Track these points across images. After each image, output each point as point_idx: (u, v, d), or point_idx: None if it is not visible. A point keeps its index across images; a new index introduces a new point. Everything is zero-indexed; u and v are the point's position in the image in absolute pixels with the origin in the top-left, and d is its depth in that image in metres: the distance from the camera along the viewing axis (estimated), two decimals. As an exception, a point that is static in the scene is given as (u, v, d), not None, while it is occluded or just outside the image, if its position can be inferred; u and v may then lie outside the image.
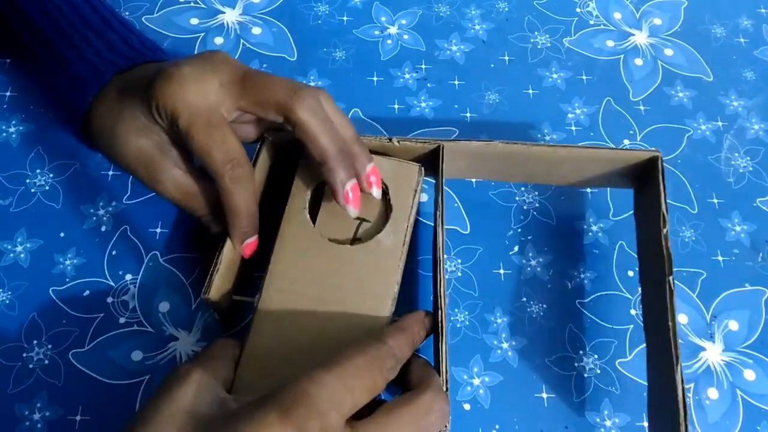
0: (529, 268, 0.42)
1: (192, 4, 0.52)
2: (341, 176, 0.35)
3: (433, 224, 0.40)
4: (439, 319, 0.33)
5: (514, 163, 0.40)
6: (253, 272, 0.39)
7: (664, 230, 0.35)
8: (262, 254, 0.36)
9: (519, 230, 0.43)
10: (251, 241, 0.36)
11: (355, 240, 0.36)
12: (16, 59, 0.47)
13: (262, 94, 0.34)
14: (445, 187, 0.39)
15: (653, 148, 0.39)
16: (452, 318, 0.40)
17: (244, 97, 0.34)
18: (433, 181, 0.44)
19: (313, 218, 0.37)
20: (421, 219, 0.43)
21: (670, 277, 0.34)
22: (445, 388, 0.32)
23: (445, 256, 0.41)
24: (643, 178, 0.40)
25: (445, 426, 0.31)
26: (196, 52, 0.42)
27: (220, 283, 0.35)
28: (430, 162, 0.39)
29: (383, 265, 0.35)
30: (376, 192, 0.37)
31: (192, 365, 0.30)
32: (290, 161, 0.39)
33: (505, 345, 0.39)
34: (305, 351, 0.33)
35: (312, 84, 0.48)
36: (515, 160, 0.40)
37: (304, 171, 0.38)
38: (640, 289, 0.39)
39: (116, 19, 0.42)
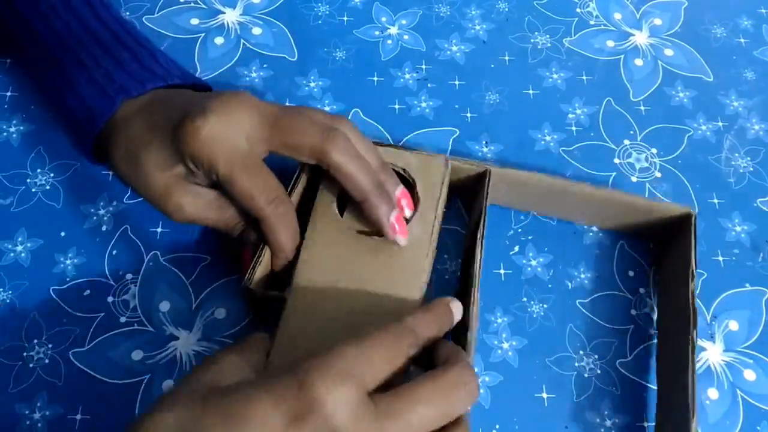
0: (529, 268, 0.42)
1: (192, 4, 0.52)
2: (383, 210, 0.35)
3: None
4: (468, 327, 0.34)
5: (550, 198, 0.41)
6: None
7: (692, 285, 0.36)
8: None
9: (519, 230, 0.43)
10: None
11: (372, 233, 0.36)
12: (21, 68, 0.47)
13: (294, 138, 0.34)
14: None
15: (686, 206, 0.39)
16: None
17: (276, 140, 0.34)
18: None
19: (341, 211, 0.38)
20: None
21: (694, 332, 0.34)
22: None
23: (446, 256, 0.42)
24: (673, 231, 0.40)
25: (469, 407, 0.30)
26: (215, 90, 0.40)
27: (261, 274, 0.35)
28: (471, 187, 0.41)
29: (412, 256, 0.36)
30: (408, 213, 0.37)
31: (226, 350, 0.31)
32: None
33: (505, 345, 0.39)
34: (334, 341, 0.33)
35: (312, 84, 0.48)
36: (554, 193, 0.41)
37: None
38: (656, 337, 0.39)
39: (126, 32, 0.41)
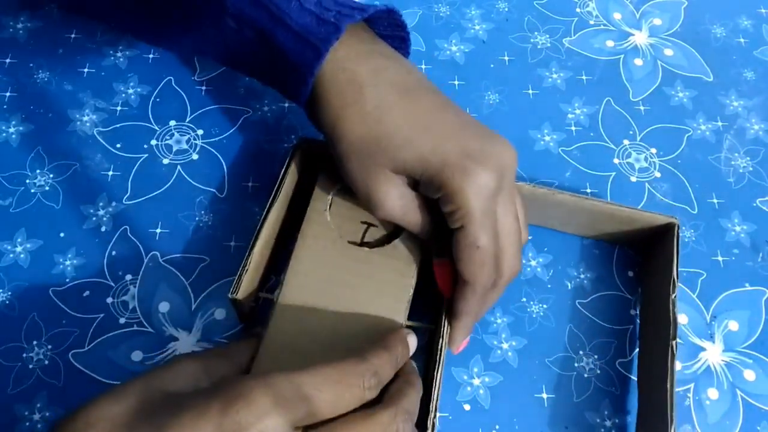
0: (529, 268, 0.42)
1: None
2: (464, 334, 0.35)
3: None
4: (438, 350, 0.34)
5: (534, 206, 0.41)
6: (273, 274, 0.40)
7: (673, 295, 0.36)
8: (283, 254, 0.36)
9: (519, 230, 0.43)
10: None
11: (362, 244, 0.36)
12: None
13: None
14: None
15: (671, 216, 0.39)
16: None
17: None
18: None
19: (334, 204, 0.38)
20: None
21: (674, 342, 0.34)
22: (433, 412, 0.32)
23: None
24: (657, 240, 0.40)
25: None
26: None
27: (247, 283, 0.35)
28: None
29: (399, 268, 0.36)
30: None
31: (187, 354, 0.30)
32: (314, 166, 0.39)
33: (505, 345, 0.39)
34: (321, 346, 0.33)
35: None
36: (537, 202, 0.40)
37: (326, 174, 0.38)
38: (638, 345, 0.39)
39: None
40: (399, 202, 0.34)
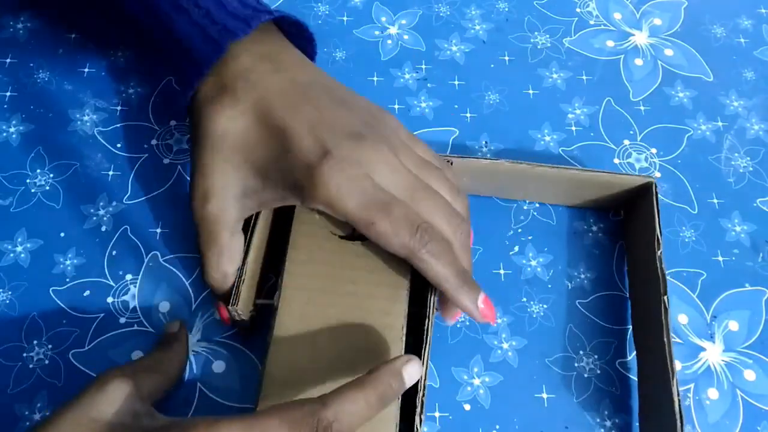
0: (529, 268, 0.42)
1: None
2: (471, 299, 0.33)
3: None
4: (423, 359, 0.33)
5: (514, 182, 0.41)
6: (269, 277, 0.39)
7: (659, 252, 0.37)
8: (278, 256, 0.36)
9: (519, 230, 0.43)
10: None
11: (354, 237, 0.36)
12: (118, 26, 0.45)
13: (386, 229, 0.32)
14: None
15: (648, 175, 0.40)
16: (452, 318, 0.40)
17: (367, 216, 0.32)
18: None
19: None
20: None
21: (665, 297, 0.35)
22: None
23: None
24: (637, 202, 0.41)
25: None
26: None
27: (246, 294, 0.35)
28: None
29: (394, 256, 0.35)
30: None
31: (114, 373, 0.30)
32: None
33: (505, 345, 0.39)
34: (328, 346, 0.33)
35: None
36: (517, 178, 0.41)
37: None
38: (630, 308, 0.39)
39: None
40: (232, 201, 0.34)
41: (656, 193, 0.39)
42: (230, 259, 0.35)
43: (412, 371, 0.30)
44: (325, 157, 0.32)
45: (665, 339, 0.34)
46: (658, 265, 0.37)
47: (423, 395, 0.32)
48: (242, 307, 0.35)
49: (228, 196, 0.34)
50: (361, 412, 0.28)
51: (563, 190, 0.42)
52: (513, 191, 0.43)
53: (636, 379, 0.38)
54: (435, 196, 0.34)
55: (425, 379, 0.32)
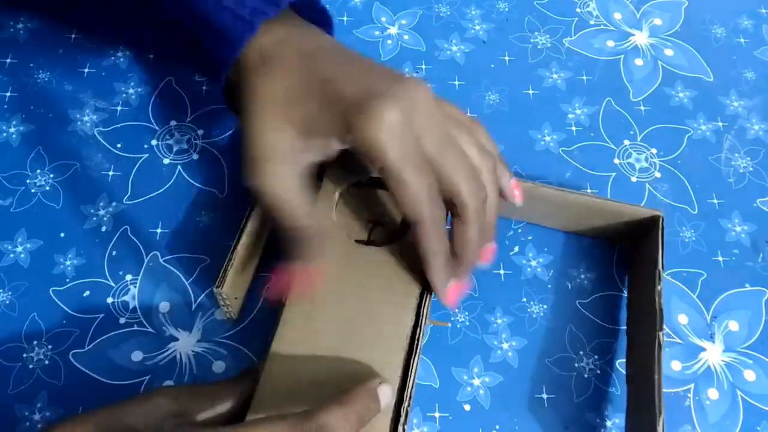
0: (529, 268, 0.42)
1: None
2: (439, 282, 0.34)
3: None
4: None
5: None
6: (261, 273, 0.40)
7: (658, 287, 0.36)
8: (275, 257, 0.36)
9: (519, 230, 0.43)
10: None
11: (369, 242, 0.36)
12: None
13: (450, 169, 0.32)
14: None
15: (657, 210, 0.39)
16: (452, 318, 0.40)
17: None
18: None
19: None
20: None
21: (660, 333, 0.35)
22: None
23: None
24: (643, 234, 0.40)
25: None
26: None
27: (232, 278, 0.35)
28: None
29: (408, 265, 0.36)
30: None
31: (166, 390, 0.30)
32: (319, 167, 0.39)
33: (505, 345, 0.39)
34: (331, 348, 0.33)
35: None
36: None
37: (332, 174, 0.38)
38: (626, 339, 0.39)
39: None
40: (289, 156, 0.33)
41: (662, 227, 0.38)
42: (300, 203, 0.34)
43: (383, 394, 0.31)
44: (373, 94, 0.31)
45: (656, 375, 0.33)
46: (657, 299, 0.36)
47: (408, 405, 0.32)
48: (227, 291, 0.35)
49: (281, 151, 0.33)
50: (343, 429, 0.28)
51: (565, 215, 0.41)
52: (517, 211, 0.41)
53: (636, 380, 0.38)
54: (461, 156, 0.34)
55: (412, 388, 0.32)
